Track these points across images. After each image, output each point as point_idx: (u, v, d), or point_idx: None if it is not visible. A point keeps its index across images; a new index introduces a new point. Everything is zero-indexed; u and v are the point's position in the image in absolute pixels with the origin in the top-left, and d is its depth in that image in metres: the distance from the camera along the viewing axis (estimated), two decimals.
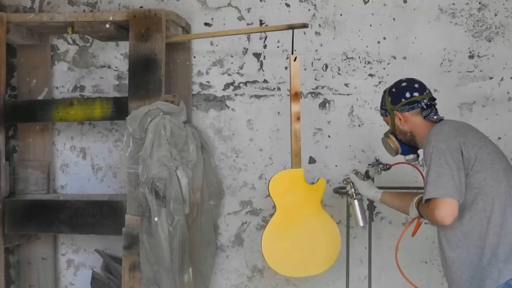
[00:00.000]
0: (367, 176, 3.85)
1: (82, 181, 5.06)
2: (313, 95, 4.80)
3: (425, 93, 3.48)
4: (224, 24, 4.86)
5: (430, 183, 3.15)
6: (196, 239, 4.54)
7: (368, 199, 4.05)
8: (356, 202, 3.88)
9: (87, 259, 5.07)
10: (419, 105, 3.45)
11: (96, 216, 4.43)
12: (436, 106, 3.51)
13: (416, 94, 3.47)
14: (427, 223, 3.80)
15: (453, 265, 3.25)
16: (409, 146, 3.57)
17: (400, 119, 3.51)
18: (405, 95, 3.48)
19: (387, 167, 3.85)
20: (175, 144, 4.25)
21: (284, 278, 4.79)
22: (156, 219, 4.11)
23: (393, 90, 3.54)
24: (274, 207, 4.14)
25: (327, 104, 4.79)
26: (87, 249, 5.06)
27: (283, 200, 4.13)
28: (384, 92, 3.61)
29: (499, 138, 4.66)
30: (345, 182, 3.93)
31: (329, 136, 4.79)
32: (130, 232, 4.25)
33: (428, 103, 3.46)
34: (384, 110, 3.60)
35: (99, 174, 5.05)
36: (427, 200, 3.17)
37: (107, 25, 4.35)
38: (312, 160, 4.80)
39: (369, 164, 3.91)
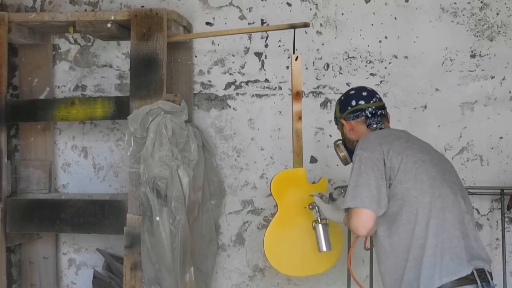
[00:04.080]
0: (331, 198, 3.79)
1: (84, 180, 5.07)
2: (314, 94, 4.80)
3: (371, 101, 3.45)
4: (225, 23, 4.87)
5: (347, 193, 3.13)
6: (198, 238, 4.54)
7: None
8: (320, 226, 3.82)
9: (88, 258, 5.07)
10: (363, 113, 3.43)
11: (97, 215, 4.43)
12: (387, 115, 3.50)
13: (361, 102, 3.45)
14: None
15: (384, 278, 3.22)
16: None
17: (346, 127, 3.49)
18: (351, 103, 3.47)
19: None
20: (177, 144, 4.25)
21: (285, 277, 4.79)
22: (157, 218, 4.12)
23: (342, 98, 3.55)
24: (276, 206, 4.13)
25: (328, 104, 4.79)
26: (88, 248, 5.06)
27: (285, 200, 4.12)
28: (336, 101, 3.60)
29: (501, 138, 4.66)
30: (310, 207, 3.86)
31: (330, 136, 4.78)
32: (132, 232, 4.26)
33: (373, 112, 3.43)
34: (335, 119, 3.61)
35: (101, 173, 5.05)
36: (346, 210, 3.18)
37: (109, 25, 4.36)
38: (313, 160, 4.80)
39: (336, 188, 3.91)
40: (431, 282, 3.01)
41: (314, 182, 4.24)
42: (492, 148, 4.66)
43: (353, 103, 3.46)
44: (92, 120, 4.94)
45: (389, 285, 3.19)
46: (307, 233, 4.10)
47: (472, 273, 3.01)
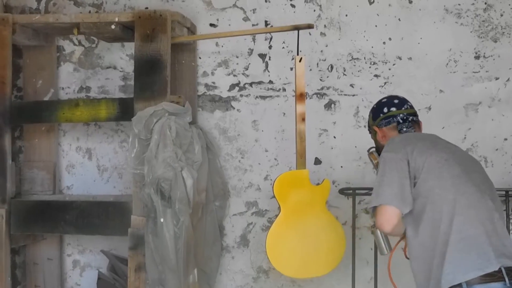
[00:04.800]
0: None
1: (88, 182, 5.07)
2: (318, 96, 4.80)
3: (403, 108, 3.53)
4: (229, 25, 4.87)
5: (373, 193, 3.21)
6: (201, 240, 4.54)
7: None
8: (378, 230, 3.71)
9: (93, 259, 5.08)
10: (394, 119, 3.51)
11: (101, 216, 4.43)
12: (419, 122, 3.56)
13: (393, 109, 3.53)
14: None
15: (415, 277, 3.24)
16: None
17: (379, 134, 3.56)
18: (383, 110, 3.55)
19: None
20: (181, 145, 4.26)
21: (289, 279, 4.78)
22: (161, 219, 4.12)
23: (375, 106, 3.63)
24: (279, 208, 4.14)
25: (332, 105, 4.79)
26: (93, 249, 5.07)
27: (288, 201, 4.13)
28: (369, 111, 3.68)
29: (505, 139, 4.65)
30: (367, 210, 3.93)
31: (334, 137, 4.78)
32: (136, 233, 4.26)
33: (405, 117, 3.50)
34: (368, 127, 3.68)
35: (105, 175, 5.06)
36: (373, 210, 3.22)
37: (113, 26, 4.37)
38: (317, 161, 4.80)
39: None
40: (453, 278, 3.02)
41: (317, 184, 4.24)
42: (496, 149, 4.65)
43: (385, 110, 3.54)
44: (96, 122, 4.94)
45: (420, 284, 3.22)
46: (310, 234, 4.11)
47: (500, 270, 3.00)
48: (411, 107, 3.57)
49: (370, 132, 3.69)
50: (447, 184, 3.15)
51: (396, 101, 3.57)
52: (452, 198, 3.12)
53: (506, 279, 2.99)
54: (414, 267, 3.23)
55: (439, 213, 3.11)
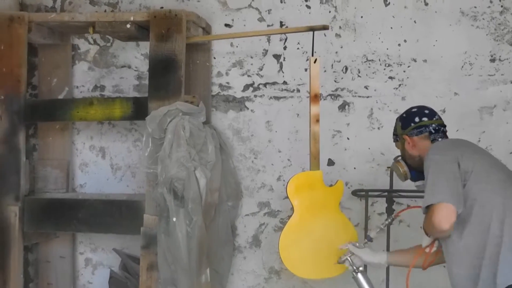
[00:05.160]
0: (369, 239, 3.82)
1: (101, 180, 5.08)
2: (332, 97, 4.79)
3: (434, 118, 3.56)
4: (244, 25, 4.87)
5: (427, 192, 3.19)
6: (214, 239, 4.55)
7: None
8: (360, 275, 3.77)
9: (105, 258, 5.09)
10: (427, 129, 3.53)
11: (114, 215, 4.44)
12: (447, 133, 3.58)
13: (425, 119, 3.55)
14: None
15: (457, 280, 3.24)
16: (418, 171, 3.56)
17: (409, 143, 3.56)
18: (414, 120, 3.56)
19: (391, 219, 3.90)
20: (194, 145, 4.26)
21: (301, 280, 4.78)
22: (174, 219, 4.12)
23: (404, 115, 3.65)
24: (292, 208, 4.13)
25: (346, 107, 4.78)
26: (105, 248, 5.08)
27: (301, 202, 4.12)
28: (396, 119, 3.69)
29: None
30: (341, 261, 3.82)
31: (348, 139, 4.78)
32: (148, 232, 4.26)
33: (437, 128, 3.53)
34: (395, 136, 3.70)
35: (118, 173, 5.07)
36: (426, 211, 3.19)
37: (128, 25, 4.37)
38: (330, 162, 4.79)
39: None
40: (508, 278, 3.07)
41: (331, 185, 4.23)
42: (510, 152, 4.64)
43: (417, 119, 3.56)
44: (110, 121, 4.95)
45: (461, 284, 3.22)
46: (323, 235, 4.10)
47: None
48: (440, 118, 3.60)
49: (396, 141, 3.71)
50: (495, 188, 3.20)
51: (426, 111, 3.59)
52: (501, 202, 3.16)
53: None
54: (456, 271, 3.23)
55: (489, 216, 3.14)
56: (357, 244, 3.81)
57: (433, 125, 3.53)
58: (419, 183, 3.63)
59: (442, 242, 3.32)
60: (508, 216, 3.14)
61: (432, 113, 3.59)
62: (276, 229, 4.85)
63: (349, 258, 3.78)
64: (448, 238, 3.25)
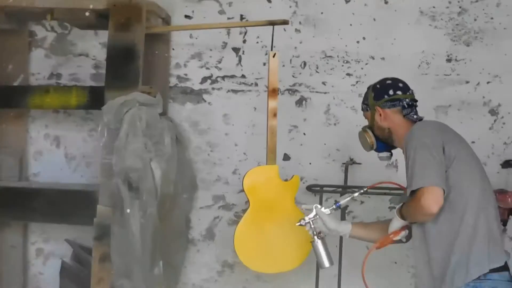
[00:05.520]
0: (337, 205, 3.59)
1: (55, 170, 5.02)
2: (290, 92, 4.80)
3: (408, 93, 3.53)
4: (204, 17, 4.84)
5: (415, 175, 3.15)
6: (168, 232, 4.52)
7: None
8: (319, 242, 3.59)
9: (57, 248, 5.03)
10: (400, 103, 3.49)
11: (68, 205, 4.37)
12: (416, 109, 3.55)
13: (399, 92, 3.51)
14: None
15: (423, 264, 3.28)
16: (384, 143, 3.57)
17: (380, 115, 3.52)
18: (388, 92, 3.52)
19: (364, 190, 3.65)
20: (150, 136, 4.23)
21: (254, 274, 4.78)
22: (128, 210, 4.08)
23: (377, 86, 3.58)
24: (248, 202, 4.13)
25: (303, 102, 4.80)
26: (57, 238, 5.01)
27: (257, 196, 4.12)
28: (368, 88, 3.63)
29: (473, 142, 4.65)
30: (302, 223, 3.58)
31: (304, 134, 4.79)
32: (102, 223, 4.21)
33: (410, 103, 3.50)
34: (366, 105, 3.62)
35: (73, 163, 5.02)
36: (412, 193, 3.17)
37: (87, 13, 4.32)
38: (286, 157, 4.80)
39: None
40: (480, 269, 3.12)
41: (286, 180, 4.24)
42: None
43: (391, 92, 3.51)
44: (66, 109, 4.90)
45: (431, 267, 3.25)
46: (278, 230, 4.11)
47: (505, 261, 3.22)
48: (413, 93, 3.58)
49: (366, 110, 3.62)
50: (475, 178, 3.24)
51: (401, 84, 3.56)
52: (478, 193, 3.20)
53: (509, 268, 3.22)
54: (432, 255, 3.24)
55: (464, 204, 3.17)
56: (323, 209, 3.59)
57: (407, 99, 3.50)
58: (383, 154, 3.63)
59: (417, 227, 3.29)
60: (482, 208, 3.19)
61: (406, 87, 3.56)
62: (231, 222, 4.85)
63: (311, 222, 3.57)
64: (419, 224, 3.26)
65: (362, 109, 3.67)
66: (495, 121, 4.72)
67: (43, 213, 4.42)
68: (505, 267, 3.19)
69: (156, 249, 4.23)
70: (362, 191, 3.63)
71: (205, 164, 4.88)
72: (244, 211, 4.15)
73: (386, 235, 3.42)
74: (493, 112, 4.71)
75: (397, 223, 3.37)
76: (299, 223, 3.62)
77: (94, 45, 4.97)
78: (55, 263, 4.95)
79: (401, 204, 3.35)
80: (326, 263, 3.60)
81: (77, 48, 4.99)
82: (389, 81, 3.58)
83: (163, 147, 4.33)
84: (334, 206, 3.58)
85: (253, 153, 4.81)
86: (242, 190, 4.14)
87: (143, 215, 4.10)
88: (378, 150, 3.63)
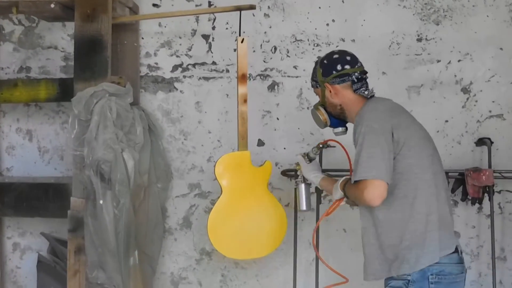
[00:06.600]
0: (308, 158, 3.80)
1: (29, 163, 4.99)
2: (262, 77, 4.79)
3: (356, 66, 3.45)
4: (172, 5, 4.81)
5: (361, 164, 3.13)
6: (143, 222, 4.51)
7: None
8: (302, 185, 3.85)
9: (33, 242, 5.01)
10: (349, 78, 3.42)
11: (41, 199, 4.37)
12: (367, 81, 3.50)
13: (347, 66, 3.43)
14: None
15: (374, 248, 3.27)
16: (338, 119, 3.53)
17: (330, 91, 3.46)
18: (336, 68, 3.43)
19: (324, 145, 3.82)
20: (122, 126, 4.21)
21: (232, 261, 4.79)
22: (101, 201, 4.07)
23: (325, 61, 3.50)
24: (221, 189, 4.13)
25: (275, 87, 4.78)
26: (33, 232, 5.00)
27: (229, 183, 4.13)
28: (316, 63, 3.56)
29: (446, 121, 4.70)
30: (295, 165, 3.89)
31: (277, 119, 4.78)
32: (75, 215, 4.20)
33: (359, 77, 3.43)
34: (315, 82, 3.55)
35: (46, 156, 4.99)
36: (356, 181, 3.16)
37: (52, 5, 4.27)
38: (260, 143, 4.79)
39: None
40: (432, 256, 3.14)
41: (260, 166, 4.23)
42: (437, 131, 4.69)
43: (339, 67, 3.43)
44: (36, 102, 4.87)
45: (377, 251, 3.26)
46: (251, 216, 4.11)
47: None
48: (362, 65, 3.50)
49: (316, 87, 3.57)
50: (425, 164, 3.21)
51: (348, 57, 3.47)
52: (428, 178, 3.20)
53: (459, 249, 3.25)
54: (384, 239, 3.24)
55: (414, 191, 3.16)
56: (306, 157, 3.80)
57: (356, 73, 3.42)
58: (337, 130, 3.59)
59: (365, 209, 3.30)
60: (432, 194, 3.19)
61: (354, 60, 3.47)
62: (207, 210, 4.83)
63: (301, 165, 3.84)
64: (365, 207, 3.26)
65: (312, 86, 3.60)
66: (467, 99, 4.71)
67: (16, 208, 4.43)
68: (455, 250, 3.22)
69: (131, 240, 4.22)
70: (325, 145, 3.81)
71: (179, 153, 4.86)
72: (219, 198, 4.14)
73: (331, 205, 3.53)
74: (465, 90, 4.71)
75: (339, 193, 3.41)
76: (294, 165, 3.96)
77: (62, 37, 4.92)
78: (32, 257, 4.95)
79: (344, 179, 3.38)
80: (304, 206, 3.86)
81: (45, 40, 4.95)
82: (336, 55, 3.50)
83: (135, 137, 4.32)
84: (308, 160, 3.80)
85: (227, 140, 4.79)
86: (215, 178, 4.13)
87: (116, 206, 4.10)
88: (332, 126, 3.60)
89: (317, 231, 4.49)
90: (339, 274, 3.73)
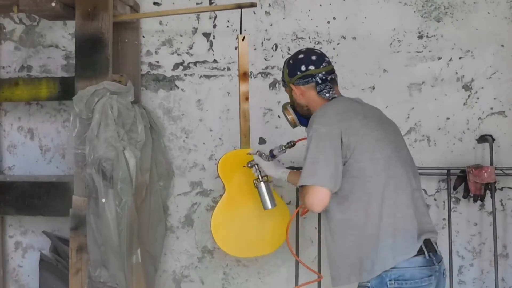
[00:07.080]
0: (271, 155, 3.80)
1: (30, 162, 5.00)
2: (263, 75, 4.79)
3: (321, 66, 3.40)
4: (173, 3, 4.82)
5: (304, 169, 3.12)
6: (145, 220, 4.51)
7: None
8: (262, 184, 3.85)
9: (35, 241, 5.02)
10: (313, 79, 3.38)
11: (43, 197, 4.38)
12: (336, 79, 3.47)
13: (311, 67, 3.39)
14: None
15: (333, 252, 3.25)
16: (307, 119, 3.43)
17: (295, 92, 3.45)
18: (300, 68, 3.41)
19: (291, 144, 3.79)
20: (123, 125, 4.21)
21: (234, 259, 4.79)
22: (103, 200, 4.07)
23: (290, 61, 3.48)
24: (224, 187, 4.13)
25: (277, 84, 4.78)
26: (35, 231, 5.01)
27: (232, 181, 4.13)
28: (284, 62, 3.55)
29: (448, 118, 4.69)
30: (249, 165, 3.87)
31: (279, 117, 4.77)
32: (77, 213, 4.21)
33: (324, 78, 3.38)
34: (283, 82, 3.55)
35: (47, 155, 4.99)
36: (302, 186, 3.15)
37: (53, 4, 4.26)
38: (262, 141, 4.79)
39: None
40: (386, 262, 3.07)
41: None
42: (439, 128, 4.69)
43: (303, 68, 3.39)
44: (37, 101, 4.87)
45: (337, 257, 3.23)
46: (255, 214, 4.11)
47: (420, 246, 3.11)
48: (329, 63, 3.44)
49: (284, 86, 3.55)
50: (378, 167, 3.13)
51: (313, 57, 3.42)
52: (383, 182, 3.12)
53: (425, 251, 3.12)
54: (332, 243, 3.22)
55: (368, 194, 3.11)
56: (264, 156, 3.80)
57: (320, 74, 3.37)
58: None
59: (323, 214, 3.28)
60: (387, 197, 3.12)
61: (319, 60, 3.41)
62: (209, 208, 4.84)
63: (256, 166, 3.84)
64: (329, 210, 3.22)
65: (283, 86, 3.59)
66: (469, 96, 4.71)
67: (18, 206, 4.44)
68: (418, 251, 3.11)
69: (133, 238, 4.22)
70: (290, 143, 3.79)
71: (181, 151, 4.86)
72: (221, 196, 4.14)
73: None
74: (466, 87, 4.70)
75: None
76: (245, 166, 3.89)
77: (63, 36, 4.93)
78: (34, 256, 4.96)
79: (290, 172, 3.56)
80: (268, 204, 3.88)
81: (46, 39, 4.95)
82: (301, 55, 3.45)
83: (136, 135, 4.32)
84: (269, 155, 3.81)
85: (229, 137, 4.80)
86: (218, 176, 4.13)
87: (118, 204, 4.09)
88: (303, 125, 3.58)
89: (318, 228, 4.51)
90: (312, 271, 3.96)
